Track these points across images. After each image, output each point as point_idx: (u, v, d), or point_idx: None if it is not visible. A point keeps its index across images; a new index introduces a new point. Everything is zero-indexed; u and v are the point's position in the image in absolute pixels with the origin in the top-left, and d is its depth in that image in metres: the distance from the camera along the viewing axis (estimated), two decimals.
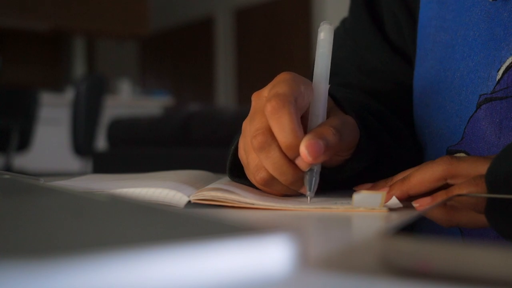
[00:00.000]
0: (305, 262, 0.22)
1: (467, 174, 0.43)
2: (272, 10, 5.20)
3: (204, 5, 6.02)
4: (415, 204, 0.43)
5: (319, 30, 0.47)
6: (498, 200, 0.37)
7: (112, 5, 5.07)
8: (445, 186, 0.44)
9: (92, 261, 0.15)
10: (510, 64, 0.52)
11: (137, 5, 5.21)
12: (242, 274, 0.18)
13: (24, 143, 3.10)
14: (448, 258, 0.20)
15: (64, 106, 3.69)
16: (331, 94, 0.50)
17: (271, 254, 0.18)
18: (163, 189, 0.46)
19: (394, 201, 0.43)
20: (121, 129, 2.51)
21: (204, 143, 2.09)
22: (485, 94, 0.54)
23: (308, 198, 0.44)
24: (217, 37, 5.90)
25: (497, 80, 0.53)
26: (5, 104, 2.97)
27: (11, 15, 4.66)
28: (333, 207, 0.42)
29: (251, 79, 5.51)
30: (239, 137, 0.49)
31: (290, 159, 0.44)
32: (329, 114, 0.47)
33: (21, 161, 3.39)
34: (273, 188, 0.46)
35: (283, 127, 0.42)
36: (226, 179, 0.56)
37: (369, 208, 0.42)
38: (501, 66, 0.53)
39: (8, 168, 2.94)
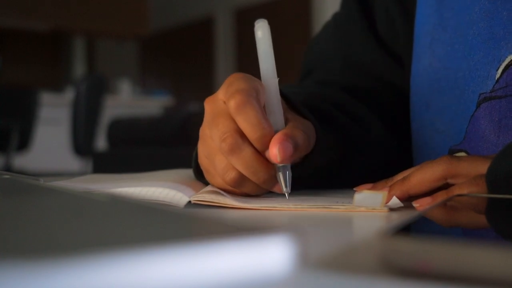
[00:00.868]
0: (305, 262, 0.22)
1: (467, 174, 0.43)
2: (272, 10, 5.20)
3: (204, 5, 6.02)
4: (415, 204, 0.43)
5: (255, 28, 0.47)
6: (499, 200, 0.37)
7: (112, 5, 5.07)
8: (446, 186, 0.44)
9: (92, 261, 0.15)
10: (509, 63, 0.52)
11: (137, 5, 5.20)
12: (242, 274, 0.18)
13: (24, 143, 3.10)
14: (448, 258, 0.20)
15: (64, 106, 3.69)
16: (284, 96, 0.50)
17: (271, 254, 0.18)
18: (163, 189, 0.46)
19: (394, 201, 0.43)
20: (121, 129, 2.51)
21: None
22: (485, 93, 0.54)
23: (286, 194, 0.45)
24: (217, 37, 5.90)
25: (496, 79, 0.53)
26: (5, 104, 2.97)
27: (11, 15, 4.66)
28: (334, 207, 0.42)
29: None
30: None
31: (262, 158, 0.44)
32: (284, 116, 0.47)
33: (21, 161, 3.39)
34: (243, 189, 0.46)
35: (250, 121, 0.43)
36: None
37: (370, 208, 0.42)
38: (500, 64, 0.53)
39: (8, 168, 2.94)
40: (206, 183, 0.51)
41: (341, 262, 0.24)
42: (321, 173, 0.54)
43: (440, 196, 0.42)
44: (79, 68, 5.95)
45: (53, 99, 3.95)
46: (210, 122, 0.46)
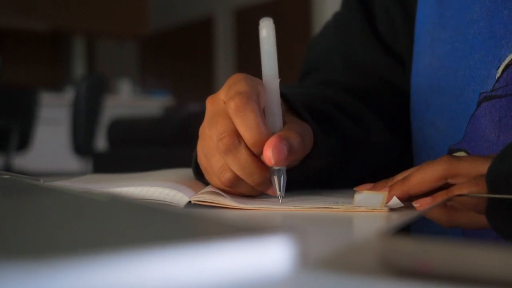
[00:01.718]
0: (305, 262, 0.22)
1: (468, 174, 0.43)
2: (272, 10, 5.20)
3: (204, 5, 6.01)
4: (416, 204, 0.43)
5: (260, 27, 0.46)
6: (499, 200, 0.37)
7: (112, 5, 5.07)
8: (446, 186, 0.44)
9: (92, 261, 0.15)
10: (509, 62, 0.52)
11: (137, 5, 5.20)
12: (242, 274, 0.18)
13: (24, 143, 3.10)
14: (448, 258, 0.20)
15: (64, 106, 3.69)
16: (284, 97, 0.49)
17: (271, 254, 0.18)
18: (163, 189, 0.46)
19: (395, 201, 0.43)
20: (121, 129, 2.51)
21: None
22: (485, 92, 0.54)
23: (280, 198, 0.44)
24: (217, 37, 5.89)
25: (496, 78, 0.53)
26: (5, 104, 2.97)
27: (11, 15, 4.66)
28: (334, 207, 0.42)
29: None
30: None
31: (258, 160, 0.44)
32: (283, 118, 0.47)
33: (21, 161, 3.39)
34: (238, 189, 0.46)
35: (248, 125, 0.43)
36: None
37: (370, 208, 0.42)
38: (501, 64, 0.53)
39: (8, 168, 2.94)
40: (206, 183, 0.51)
41: (341, 262, 0.24)
42: (321, 174, 0.54)
43: (440, 196, 0.42)
44: (79, 68, 5.95)
45: (53, 99, 3.95)
46: (209, 121, 0.46)
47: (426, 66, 0.60)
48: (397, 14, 0.65)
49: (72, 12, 4.88)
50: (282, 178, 0.44)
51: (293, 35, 5.01)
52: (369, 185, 0.48)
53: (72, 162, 3.53)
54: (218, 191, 0.47)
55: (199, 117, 0.49)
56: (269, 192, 0.46)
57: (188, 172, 0.59)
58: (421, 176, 0.44)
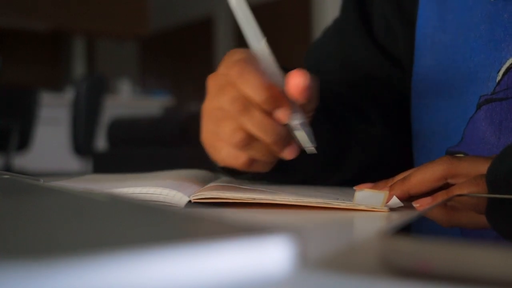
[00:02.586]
0: (305, 262, 0.22)
1: (468, 174, 0.43)
2: (272, 10, 5.20)
3: (204, 5, 6.02)
4: (416, 204, 0.43)
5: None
6: (499, 200, 0.37)
7: (112, 5, 5.07)
8: (446, 186, 0.44)
9: (92, 261, 0.15)
10: (510, 65, 0.52)
11: (137, 5, 5.20)
12: (242, 274, 0.18)
13: (24, 143, 3.10)
14: (448, 258, 0.20)
15: (64, 106, 3.69)
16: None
17: (271, 254, 0.18)
18: (163, 189, 0.46)
19: (395, 200, 0.43)
20: (121, 129, 2.51)
21: None
22: (485, 95, 0.54)
23: (313, 149, 0.44)
24: (217, 37, 5.90)
25: (497, 81, 0.53)
26: (5, 104, 2.97)
27: (11, 15, 4.66)
28: (335, 203, 0.43)
29: None
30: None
31: (273, 119, 0.43)
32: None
33: (21, 161, 3.39)
34: (251, 151, 0.45)
35: (254, 86, 0.43)
36: (225, 178, 0.56)
37: (370, 207, 0.42)
38: (501, 67, 0.53)
39: (8, 168, 2.94)
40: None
41: (341, 262, 0.24)
42: (319, 164, 0.54)
43: (440, 196, 0.42)
44: (79, 68, 5.95)
45: (53, 99, 3.95)
46: (216, 94, 0.46)
47: (426, 69, 0.60)
48: (396, 19, 0.65)
49: (72, 12, 4.88)
50: (307, 129, 0.44)
51: (293, 35, 5.02)
52: (369, 184, 0.48)
53: (72, 162, 3.53)
54: (217, 184, 0.46)
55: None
56: (284, 154, 0.45)
57: (189, 172, 0.59)
58: (421, 176, 0.44)
